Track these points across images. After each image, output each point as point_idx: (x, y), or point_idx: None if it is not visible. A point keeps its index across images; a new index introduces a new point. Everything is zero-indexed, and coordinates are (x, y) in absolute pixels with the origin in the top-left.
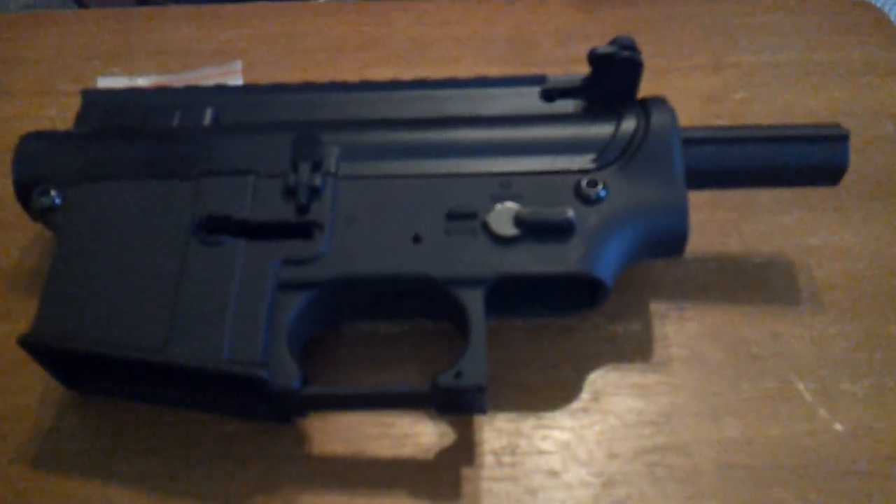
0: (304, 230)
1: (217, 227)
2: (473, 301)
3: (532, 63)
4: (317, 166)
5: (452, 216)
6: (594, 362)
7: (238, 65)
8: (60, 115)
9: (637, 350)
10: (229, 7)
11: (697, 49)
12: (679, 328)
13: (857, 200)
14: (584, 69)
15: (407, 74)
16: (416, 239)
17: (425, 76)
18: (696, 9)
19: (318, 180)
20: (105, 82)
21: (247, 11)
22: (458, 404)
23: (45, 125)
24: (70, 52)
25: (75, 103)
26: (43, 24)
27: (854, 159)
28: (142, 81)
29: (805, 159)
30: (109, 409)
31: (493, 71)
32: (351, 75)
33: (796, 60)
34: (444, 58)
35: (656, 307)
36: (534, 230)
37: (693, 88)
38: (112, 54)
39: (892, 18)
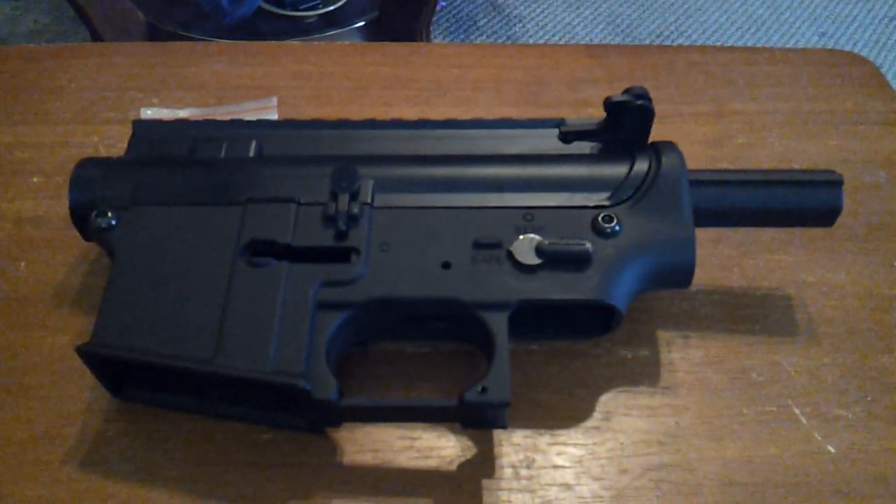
0: (342, 255)
1: (262, 250)
2: (498, 324)
3: (543, 105)
4: (354, 197)
5: (479, 245)
6: (605, 385)
7: (274, 100)
8: (103, 142)
9: (645, 374)
10: (261, 44)
11: (701, 96)
12: (684, 355)
13: (851, 242)
14: (593, 111)
15: (427, 113)
16: (446, 265)
17: (444, 114)
18: (699, 57)
19: (355, 209)
20: (148, 112)
21: (277, 49)
22: (482, 419)
23: (88, 152)
24: (108, 83)
25: (117, 132)
26: (80, 56)
27: (848, 203)
28: (183, 113)
29: (802, 202)
30: (152, 417)
31: (508, 111)
32: (375, 112)
33: (794, 109)
34: (461, 98)
35: (663, 335)
36: (554, 260)
37: (697, 133)
38: (150, 87)
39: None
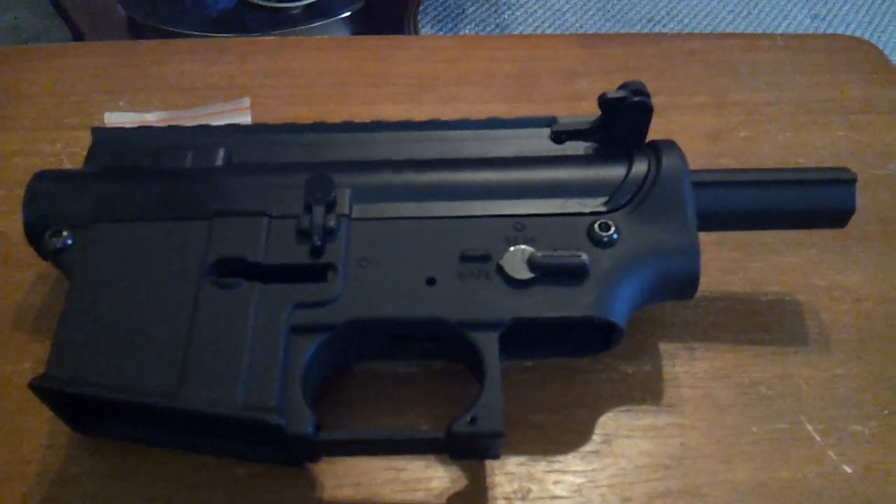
0: (318, 273)
1: (230, 269)
2: (488, 345)
3: (535, 100)
4: (330, 208)
5: (466, 258)
6: (605, 403)
7: (246, 101)
8: (67, 149)
9: (648, 391)
10: (234, 41)
11: (699, 87)
12: (689, 369)
13: (863, 240)
14: (586, 106)
15: (411, 111)
16: (430, 281)
17: (429, 112)
18: (696, 45)
19: (332, 222)
20: (113, 118)
21: (251, 46)
22: (472, 450)
23: (51, 161)
24: (74, 86)
25: (82, 138)
26: (44, 58)
27: (858, 199)
28: (150, 117)
29: (813, 202)
30: (118, 452)
31: (497, 107)
32: (356, 111)
33: (797, 99)
34: (447, 94)
35: (666, 347)
36: (548, 273)
37: (696, 126)
38: (117, 88)
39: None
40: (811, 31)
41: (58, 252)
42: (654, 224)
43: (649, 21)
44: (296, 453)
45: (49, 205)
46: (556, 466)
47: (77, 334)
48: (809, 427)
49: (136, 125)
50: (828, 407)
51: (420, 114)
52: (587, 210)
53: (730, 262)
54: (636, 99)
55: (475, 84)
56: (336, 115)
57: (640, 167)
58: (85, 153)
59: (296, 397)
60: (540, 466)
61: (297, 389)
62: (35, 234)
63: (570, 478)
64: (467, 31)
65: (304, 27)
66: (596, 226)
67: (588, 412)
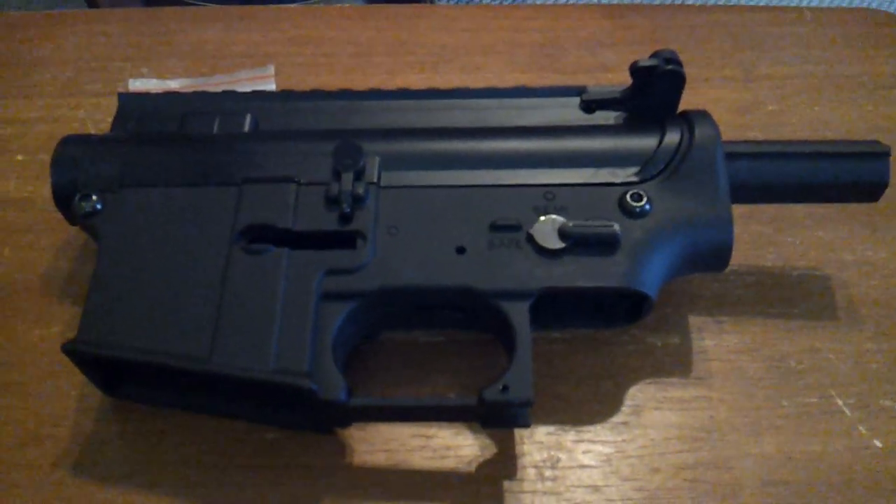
0: (347, 240)
1: (259, 236)
2: (519, 314)
3: (560, 70)
4: (358, 176)
5: (496, 227)
6: (634, 376)
7: (271, 69)
8: (90, 116)
9: (676, 364)
10: (257, 8)
11: (727, 59)
12: (718, 342)
13: (891, 216)
14: (612, 77)
15: (434, 80)
16: (460, 250)
17: (453, 82)
18: (723, 17)
19: (360, 189)
20: (136, 84)
21: (274, 14)
22: (502, 418)
23: (74, 127)
24: (96, 52)
25: (105, 104)
26: (66, 24)
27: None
28: (173, 84)
29: (846, 176)
30: (148, 416)
31: (521, 78)
32: (379, 80)
33: (825, 73)
34: (471, 64)
35: (695, 321)
36: (579, 243)
37: (724, 99)
38: (139, 56)
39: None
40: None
41: (87, 216)
42: (687, 195)
43: None
44: (327, 419)
45: (77, 169)
46: (586, 437)
47: (108, 298)
48: (839, 401)
49: (160, 91)
50: (857, 382)
51: (443, 83)
52: (619, 180)
53: (759, 237)
54: (669, 67)
55: (499, 54)
56: (359, 83)
57: (672, 137)
58: (108, 119)
59: (327, 363)
60: (569, 436)
61: (328, 355)
62: (63, 198)
63: (599, 447)
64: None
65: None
66: (628, 196)
67: (616, 384)
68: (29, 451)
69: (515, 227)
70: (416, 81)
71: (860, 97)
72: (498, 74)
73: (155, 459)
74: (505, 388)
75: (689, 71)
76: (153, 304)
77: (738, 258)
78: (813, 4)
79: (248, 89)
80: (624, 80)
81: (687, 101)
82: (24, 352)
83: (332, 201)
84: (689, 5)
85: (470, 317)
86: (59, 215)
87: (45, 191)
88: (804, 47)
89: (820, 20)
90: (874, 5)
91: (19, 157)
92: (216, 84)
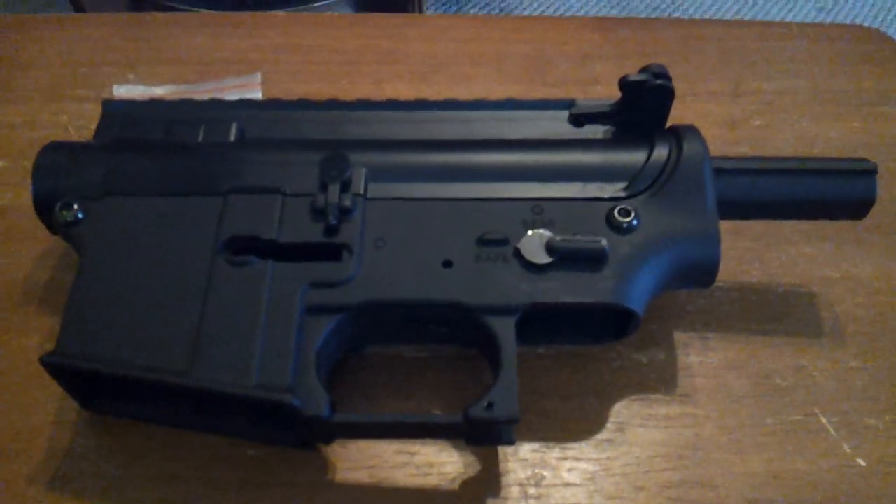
0: (332, 252)
1: (244, 247)
2: (505, 329)
3: (549, 83)
4: (345, 187)
5: (483, 241)
6: (618, 392)
7: (258, 77)
8: (74, 121)
9: (661, 380)
10: (245, 15)
11: (715, 74)
12: (703, 359)
13: (878, 233)
14: (601, 90)
15: (423, 90)
16: (447, 264)
17: (441, 93)
18: (712, 31)
19: (347, 201)
20: (121, 90)
21: (262, 21)
22: (487, 435)
23: (57, 133)
24: (81, 57)
25: (89, 110)
26: (51, 28)
27: None
28: (159, 90)
29: (833, 193)
30: (126, 430)
31: (510, 90)
32: (367, 89)
33: (813, 88)
34: (459, 75)
35: (680, 337)
36: (566, 258)
37: (712, 114)
38: (125, 61)
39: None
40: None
41: (68, 225)
42: (674, 210)
43: (654, 10)
44: (309, 435)
45: (59, 177)
46: (570, 454)
47: (88, 310)
48: (824, 419)
49: (145, 98)
50: (842, 400)
51: (432, 94)
52: (607, 195)
53: (745, 253)
54: (658, 82)
55: (488, 65)
56: (347, 92)
57: (660, 152)
58: (92, 126)
59: (310, 378)
60: (553, 454)
61: (311, 370)
62: (44, 206)
63: (583, 465)
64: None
65: (306, 7)
66: (615, 211)
67: (601, 401)
68: (4, 465)
69: (503, 242)
70: (405, 91)
71: (848, 113)
72: (487, 86)
73: (133, 475)
74: (490, 406)
75: (677, 85)
76: (134, 315)
77: (724, 274)
78: (800, 20)
79: (234, 97)
80: (613, 93)
81: (675, 115)
82: (2, 363)
83: (318, 213)
84: (678, 19)
85: (456, 331)
86: (40, 223)
87: (26, 198)
88: (792, 63)
89: (808, 36)
90: (859, 20)
91: (0, 163)
92: (202, 91)
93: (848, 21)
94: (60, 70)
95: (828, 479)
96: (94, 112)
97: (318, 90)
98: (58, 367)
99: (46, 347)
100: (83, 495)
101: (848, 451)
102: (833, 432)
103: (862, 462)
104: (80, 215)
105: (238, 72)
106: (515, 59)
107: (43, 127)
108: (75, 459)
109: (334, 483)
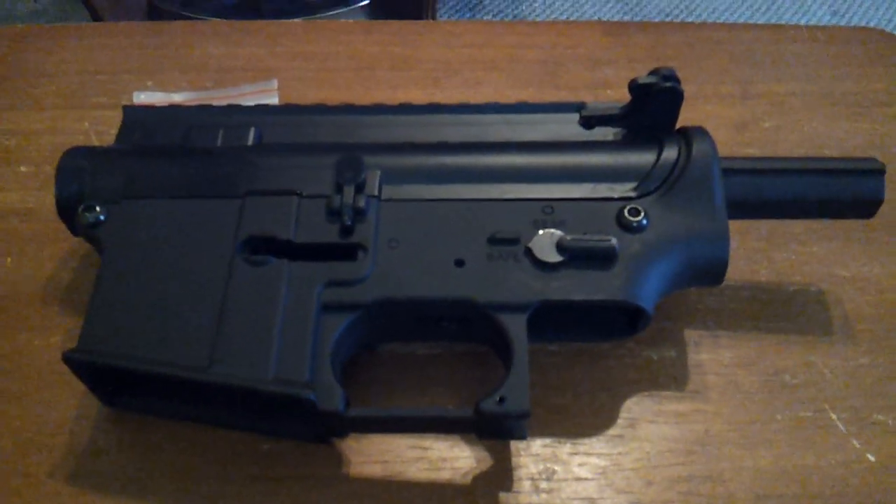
0: (347, 252)
1: (261, 247)
2: (516, 326)
3: (560, 87)
4: (360, 189)
5: (495, 241)
6: (629, 388)
7: (274, 83)
8: (94, 127)
9: (672, 377)
10: (261, 23)
11: (725, 76)
12: (714, 356)
13: (885, 232)
14: (612, 94)
15: (436, 95)
16: (459, 263)
17: (454, 97)
18: (721, 34)
19: (361, 202)
20: (141, 97)
21: (277, 29)
22: (499, 430)
23: (78, 139)
24: (101, 65)
25: (109, 117)
26: (72, 37)
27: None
28: (178, 97)
29: (842, 192)
30: (145, 426)
31: (522, 94)
32: (381, 95)
33: (823, 91)
34: (472, 80)
35: (691, 334)
36: (577, 257)
37: (722, 116)
38: (144, 69)
39: None
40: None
41: (91, 227)
42: (684, 210)
43: (667, 15)
44: (325, 429)
45: (81, 180)
46: (581, 449)
47: (110, 308)
48: (833, 416)
49: (165, 105)
50: (851, 396)
51: (445, 99)
52: (616, 195)
53: (755, 252)
54: (667, 85)
55: (500, 70)
56: (362, 98)
57: (670, 153)
58: (112, 132)
59: (326, 373)
60: (565, 448)
61: (326, 366)
62: (67, 209)
63: (594, 460)
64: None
65: (322, 15)
66: (625, 211)
67: (611, 397)
68: (26, 459)
69: (514, 241)
70: (419, 96)
71: (857, 114)
72: (499, 90)
73: (152, 470)
74: (502, 400)
75: (686, 87)
76: (154, 314)
77: (733, 273)
78: (811, 23)
79: (251, 103)
80: (623, 96)
81: (684, 118)
82: (24, 361)
83: (334, 214)
84: (687, 23)
85: (468, 329)
86: (62, 226)
87: (49, 201)
88: (801, 65)
89: (817, 38)
90: (873, 23)
91: (23, 169)
92: (220, 98)
93: (861, 25)
94: (81, 78)
95: (837, 475)
96: (114, 118)
97: (333, 96)
98: (80, 363)
99: (68, 346)
100: (103, 489)
101: (857, 446)
102: (842, 428)
103: (871, 458)
104: (102, 217)
105: (255, 79)
106: (527, 63)
107: (65, 133)
108: (95, 455)
109: (348, 477)
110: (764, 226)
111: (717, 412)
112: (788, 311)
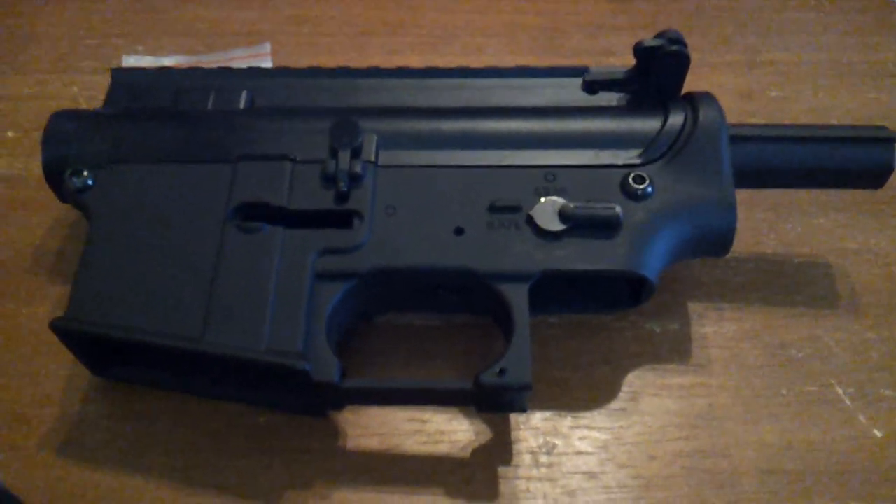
0: (343, 219)
1: (254, 213)
2: (517, 297)
3: (561, 54)
4: (356, 154)
5: (495, 209)
6: (632, 362)
7: (267, 47)
8: (83, 93)
9: (675, 350)
10: None
11: (730, 45)
12: (718, 329)
13: (894, 203)
14: (615, 61)
15: (434, 62)
16: (459, 231)
17: (453, 64)
18: (727, 2)
19: (358, 168)
20: (130, 61)
21: None
22: (499, 403)
23: (67, 104)
24: (90, 29)
25: (98, 81)
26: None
27: None
28: (168, 62)
29: (851, 161)
30: (136, 397)
31: (523, 61)
32: (377, 61)
33: (829, 60)
34: (471, 46)
35: (695, 307)
36: (580, 225)
37: (727, 84)
38: (134, 33)
39: None
40: None
41: (78, 192)
42: (690, 178)
43: None
44: (320, 401)
45: (69, 144)
46: (582, 422)
47: (99, 276)
48: (839, 390)
49: (155, 67)
50: (858, 370)
51: (443, 65)
52: (621, 162)
53: (760, 223)
54: (673, 48)
55: (500, 36)
56: (357, 64)
57: (676, 119)
58: (102, 97)
59: (321, 344)
60: (565, 422)
61: (321, 336)
62: (54, 174)
63: (595, 434)
64: None
65: None
66: (630, 178)
67: (614, 370)
68: (15, 431)
69: (515, 209)
70: (416, 62)
71: (864, 84)
72: (499, 57)
73: (143, 441)
74: (502, 372)
75: (692, 56)
76: (144, 281)
77: (739, 245)
78: None
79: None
80: (627, 63)
81: (689, 87)
82: (12, 331)
83: (329, 179)
84: None
85: (468, 299)
86: (51, 193)
87: (36, 168)
88: (808, 34)
89: (824, 7)
90: None
91: (10, 134)
92: (212, 62)
93: None
94: (69, 42)
95: (843, 450)
96: (103, 83)
97: (329, 62)
98: (68, 331)
99: (57, 315)
100: (93, 461)
101: (863, 421)
102: (848, 403)
103: (878, 433)
104: (89, 182)
105: (247, 44)
106: (528, 29)
107: (53, 98)
108: (86, 426)
109: (345, 450)
110: (770, 196)
111: (721, 386)
112: (794, 284)
